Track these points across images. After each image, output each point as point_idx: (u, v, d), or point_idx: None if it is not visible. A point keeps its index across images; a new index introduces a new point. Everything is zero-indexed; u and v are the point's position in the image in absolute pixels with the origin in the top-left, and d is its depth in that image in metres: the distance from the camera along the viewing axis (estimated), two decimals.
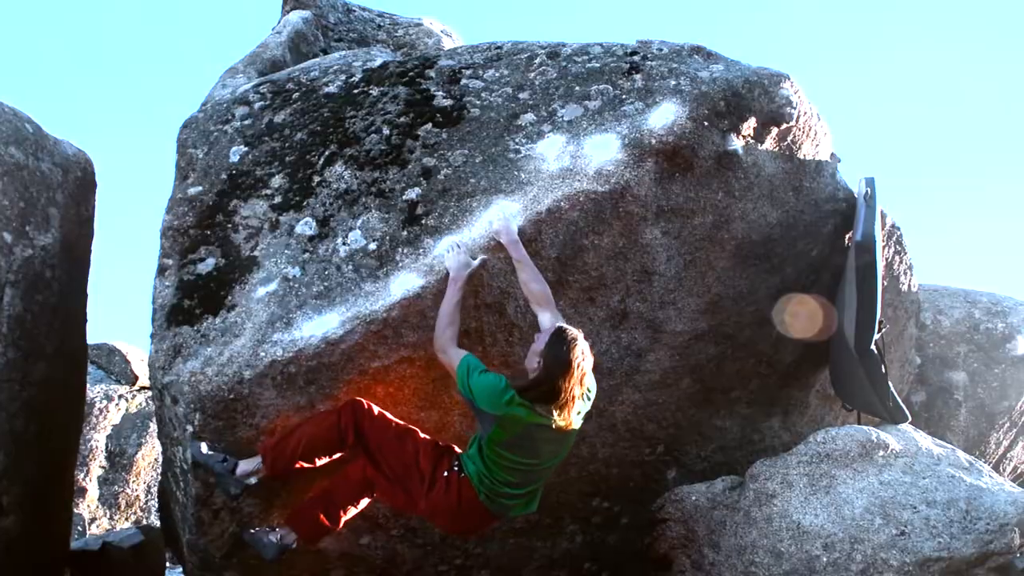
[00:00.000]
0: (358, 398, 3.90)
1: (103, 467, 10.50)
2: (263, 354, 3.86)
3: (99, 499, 10.50)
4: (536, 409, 3.56)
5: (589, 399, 3.76)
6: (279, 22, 6.49)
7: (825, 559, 4.22)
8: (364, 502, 4.02)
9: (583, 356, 3.56)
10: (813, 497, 4.40)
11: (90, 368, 10.76)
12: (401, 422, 3.92)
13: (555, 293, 3.98)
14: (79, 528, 10.02)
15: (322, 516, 3.97)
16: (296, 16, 6.40)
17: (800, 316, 5.13)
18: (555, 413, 3.55)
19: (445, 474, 3.75)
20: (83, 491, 10.27)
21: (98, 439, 10.42)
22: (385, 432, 3.83)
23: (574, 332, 3.58)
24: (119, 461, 10.62)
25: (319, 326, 3.89)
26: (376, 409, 3.89)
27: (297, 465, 3.82)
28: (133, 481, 10.67)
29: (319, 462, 3.86)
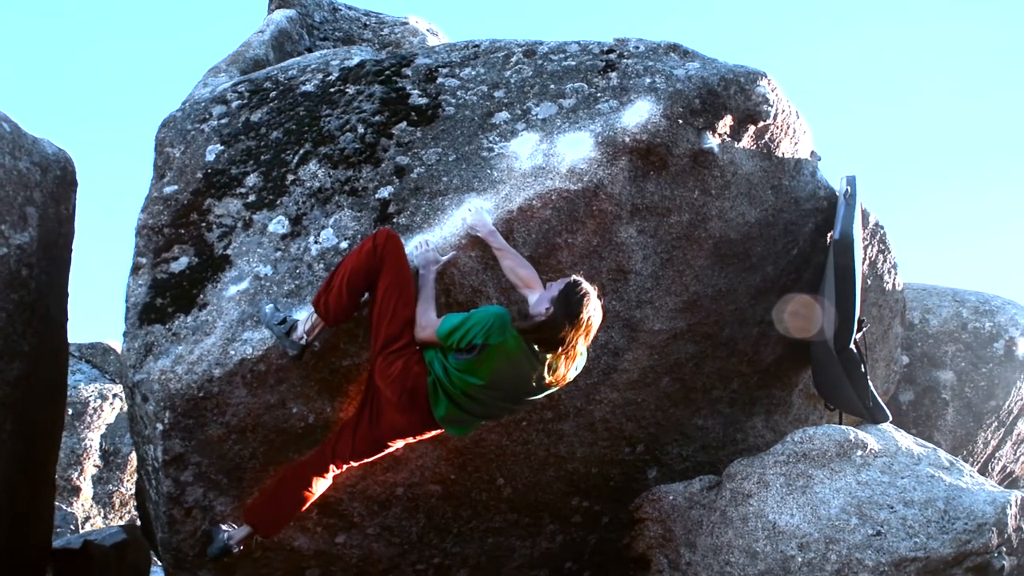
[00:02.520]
0: (396, 235, 3.79)
1: (97, 466, 10.51)
2: (233, 352, 3.87)
3: (93, 498, 10.50)
4: (533, 352, 3.56)
5: (578, 368, 3.78)
6: (264, 21, 6.49)
7: (800, 559, 4.20)
8: (320, 488, 4.00)
9: (594, 311, 3.57)
10: (789, 497, 4.38)
11: (84, 367, 10.80)
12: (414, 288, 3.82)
13: None
14: (72, 527, 10.03)
15: (275, 507, 3.97)
16: (280, 15, 6.39)
17: (799, 316, 5.11)
18: (548, 366, 3.58)
19: (412, 352, 3.70)
20: (77, 490, 10.28)
21: (92, 438, 10.42)
22: (400, 274, 3.73)
23: (589, 286, 3.59)
24: (113, 460, 10.62)
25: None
26: (405, 259, 3.78)
27: (353, 306, 3.73)
28: (127, 480, 10.67)
29: (362, 298, 3.79)
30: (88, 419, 10.37)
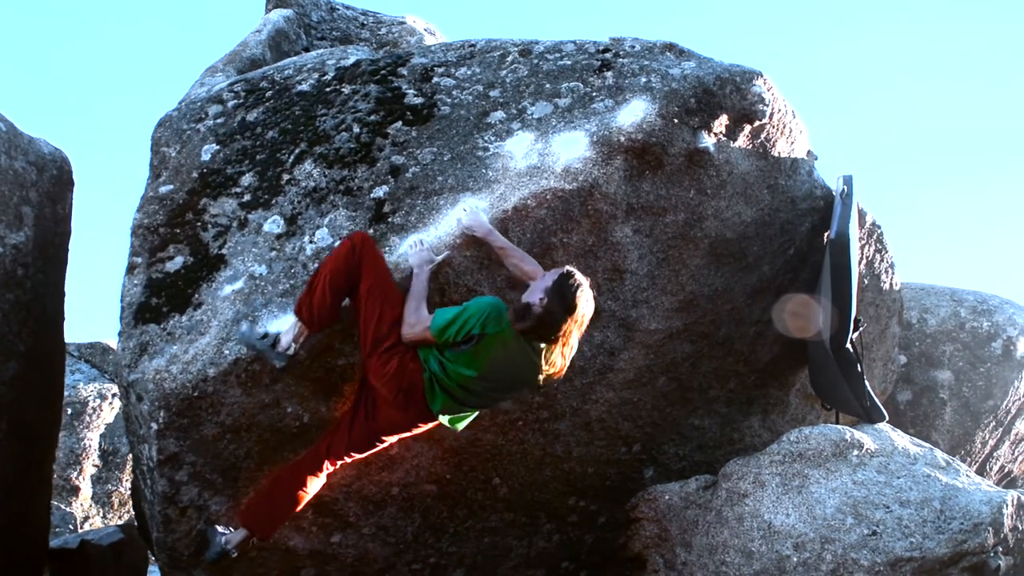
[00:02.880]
0: (370, 238, 3.85)
1: (96, 466, 10.51)
2: (227, 352, 3.87)
3: (92, 498, 10.50)
4: (528, 341, 3.59)
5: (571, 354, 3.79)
6: (261, 20, 6.49)
7: (795, 559, 4.19)
8: (315, 487, 4.00)
9: (587, 302, 3.61)
10: (785, 497, 4.37)
11: (84, 367, 10.80)
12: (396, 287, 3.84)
13: None
14: (71, 527, 10.03)
15: (271, 508, 3.97)
16: (277, 15, 6.39)
17: (797, 315, 5.11)
18: (543, 357, 3.61)
19: (405, 349, 3.70)
20: (76, 490, 10.28)
21: (91, 438, 10.43)
22: (380, 275, 3.77)
23: (581, 276, 3.62)
24: (112, 460, 10.63)
25: (284, 324, 3.88)
26: (382, 260, 3.84)
27: (336, 307, 3.75)
28: (126, 480, 10.67)
29: (344, 300, 3.79)
30: (87, 419, 10.37)
